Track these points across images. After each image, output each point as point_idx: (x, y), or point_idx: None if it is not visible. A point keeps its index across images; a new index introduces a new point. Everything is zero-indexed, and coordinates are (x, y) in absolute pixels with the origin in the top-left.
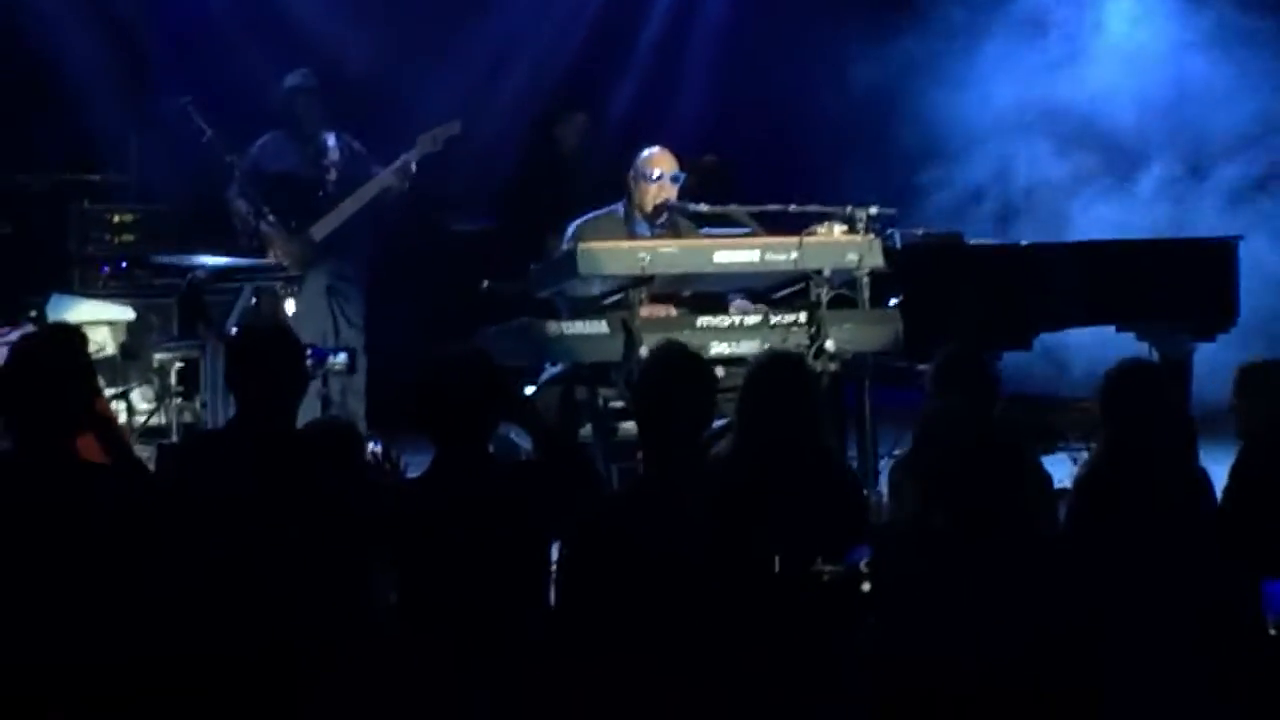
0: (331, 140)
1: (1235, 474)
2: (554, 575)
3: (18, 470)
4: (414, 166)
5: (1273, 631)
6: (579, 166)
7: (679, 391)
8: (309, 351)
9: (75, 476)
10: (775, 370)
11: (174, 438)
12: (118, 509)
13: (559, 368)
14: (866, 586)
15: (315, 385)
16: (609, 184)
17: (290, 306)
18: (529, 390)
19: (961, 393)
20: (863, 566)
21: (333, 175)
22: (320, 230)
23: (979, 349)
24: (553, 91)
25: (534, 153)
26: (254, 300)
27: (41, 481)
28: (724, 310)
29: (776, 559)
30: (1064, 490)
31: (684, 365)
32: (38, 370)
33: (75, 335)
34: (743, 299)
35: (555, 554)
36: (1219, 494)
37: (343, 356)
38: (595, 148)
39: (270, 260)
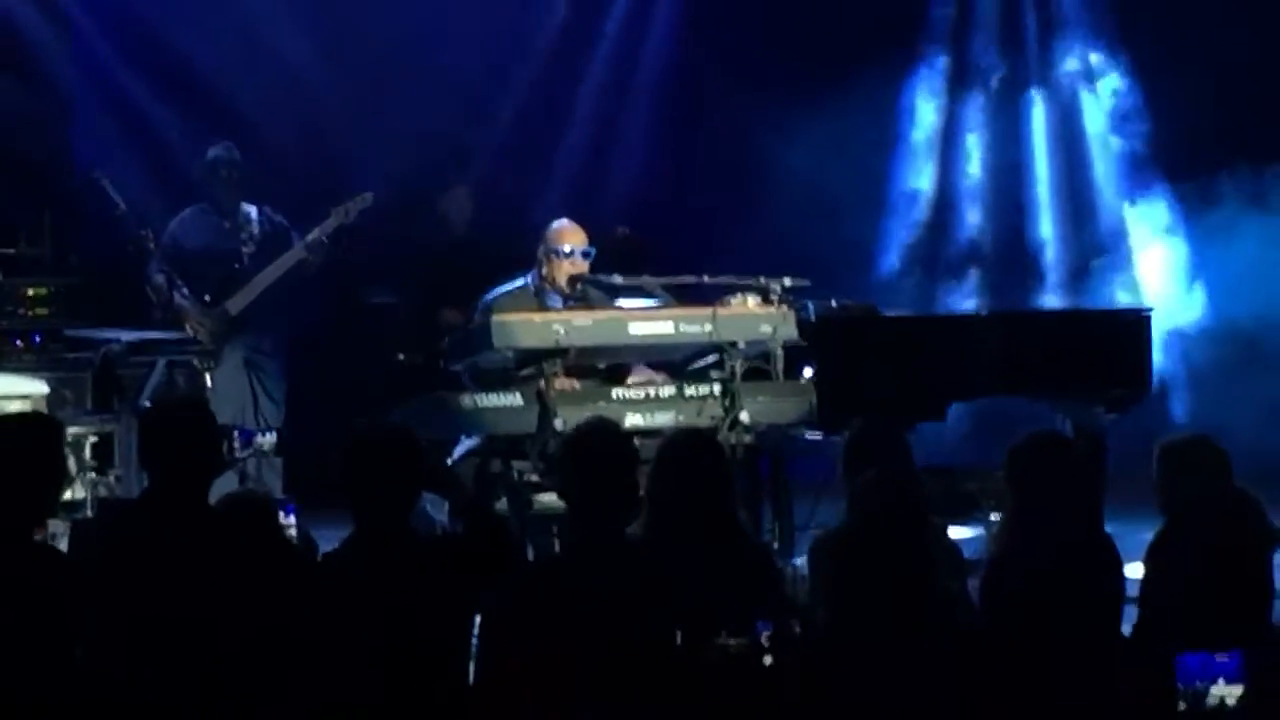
0: (253, 213)
1: (1156, 548)
2: (475, 648)
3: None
4: (326, 239)
5: (1182, 705)
6: (467, 239)
7: (604, 468)
8: (236, 432)
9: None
10: (686, 446)
11: (89, 512)
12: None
13: (473, 440)
14: (768, 660)
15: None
16: (505, 257)
17: (208, 381)
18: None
19: (875, 467)
20: (764, 640)
21: (250, 248)
22: (236, 304)
23: (890, 422)
24: (437, 166)
25: (422, 228)
26: (172, 375)
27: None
28: (626, 381)
29: (678, 633)
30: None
31: (609, 441)
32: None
33: (59, 427)
34: (642, 366)
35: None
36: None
37: (271, 436)
38: (482, 219)
39: (185, 334)
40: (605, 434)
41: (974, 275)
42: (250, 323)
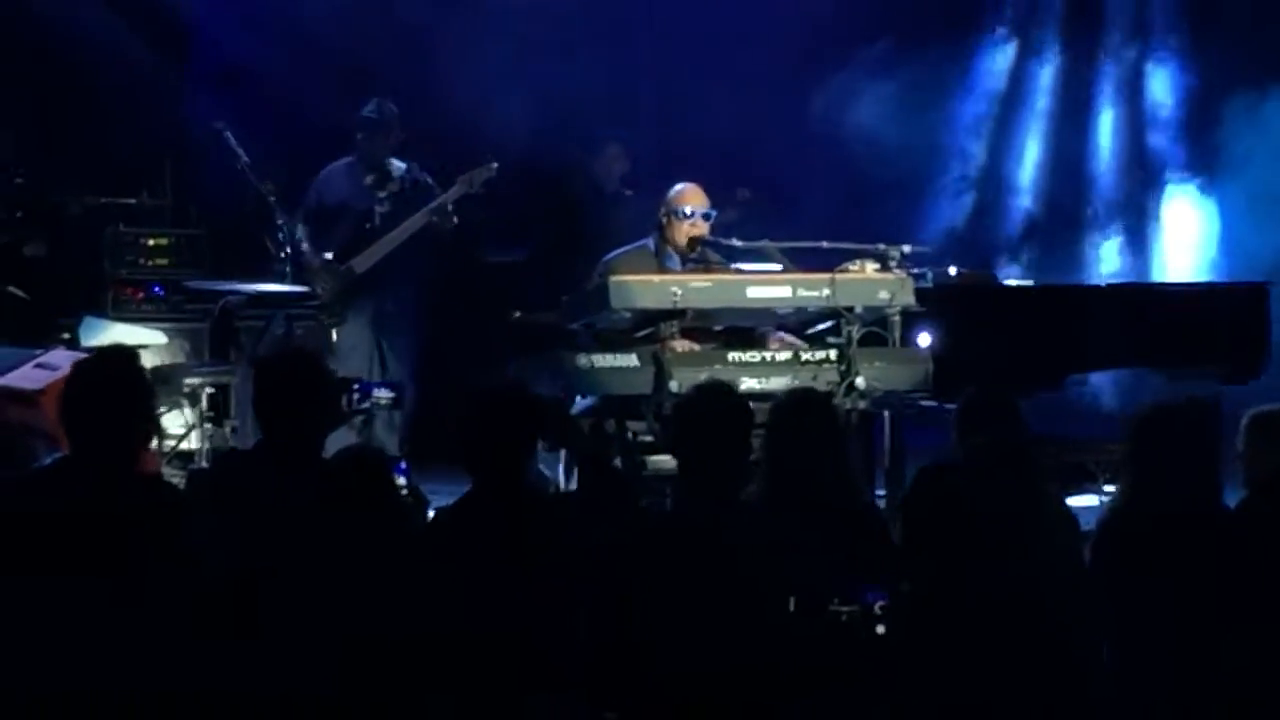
0: (397, 172)
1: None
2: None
3: (85, 482)
4: (451, 206)
5: None
6: (617, 197)
7: (719, 430)
8: (356, 385)
9: (139, 489)
10: (801, 408)
11: (204, 463)
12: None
13: (589, 400)
14: (881, 629)
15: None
16: (646, 215)
17: (333, 336)
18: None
19: (987, 434)
20: (877, 608)
21: (384, 207)
22: (361, 264)
23: (1005, 390)
24: (582, 124)
25: (571, 185)
26: (290, 329)
27: (107, 494)
28: (753, 345)
29: (792, 599)
30: (1089, 532)
31: (725, 404)
32: (105, 389)
33: (136, 356)
34: (782, 331)
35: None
36: None
37: (387, 392)
38: (631, 178)
39: (302, 289)
40: (719, 396)
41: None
42: (377, 282)
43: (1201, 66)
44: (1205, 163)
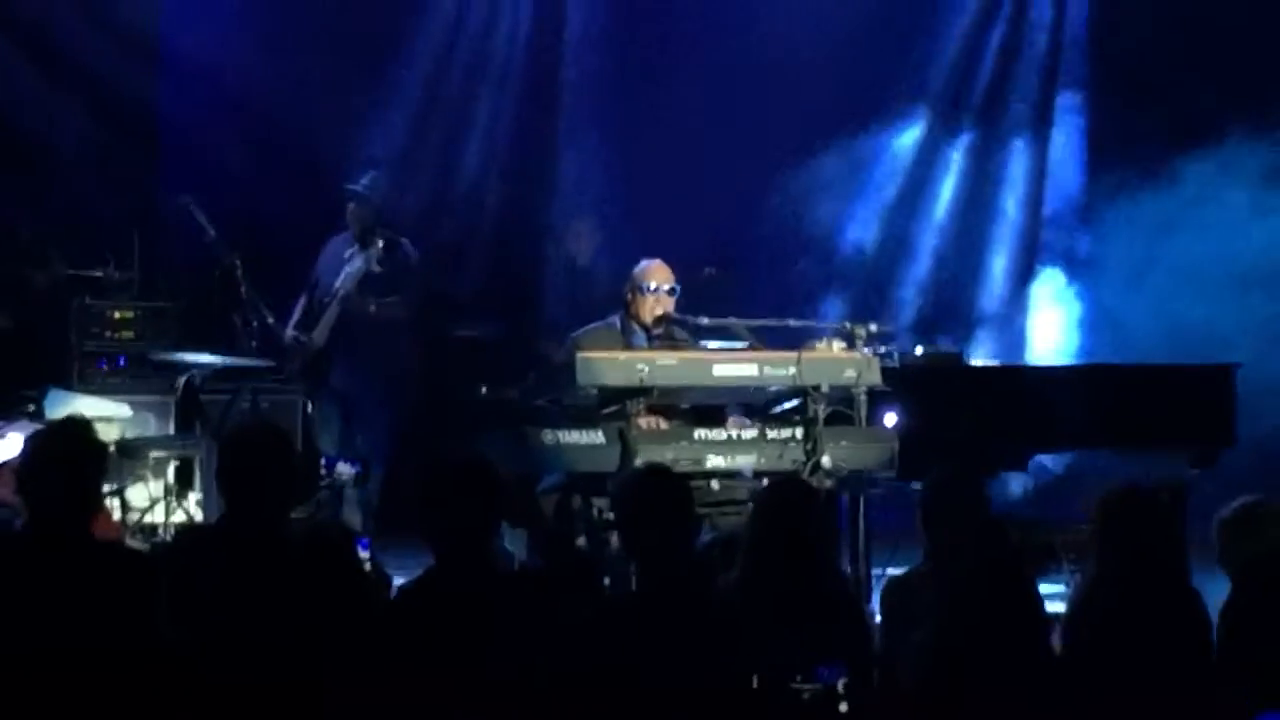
0: (372, 249)
1: (1229, 607)
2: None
3: (38, 549)
4: (355, 289)
5: None
6: (589, 273)
7: (658, 512)
8: (322, 460)
9: (93, 554)
10: (788, 495)
11: (168, 536)
12: (131, 584)
13: (555, 476)
14: (844, 707)
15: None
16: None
17: (306, 409)
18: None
19: (952, 516)
20: (839, 687)
21: (341, 280)
22: (319, 335)
23: (971, 471)
24: (557, 200)
25: (546, 262)
26: (255, 402)
27: (62, 559)
28: (719, 421)
29: (754, 677)
30: (1058, 614)
31: (660, 487)
32: (60, 457)
33: (90, 426)
34: (739, 414)
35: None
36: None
37: (352, 467)
38: (604, 256)
39: (268, 363)
40: (654, 479)
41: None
42: (344, 357)
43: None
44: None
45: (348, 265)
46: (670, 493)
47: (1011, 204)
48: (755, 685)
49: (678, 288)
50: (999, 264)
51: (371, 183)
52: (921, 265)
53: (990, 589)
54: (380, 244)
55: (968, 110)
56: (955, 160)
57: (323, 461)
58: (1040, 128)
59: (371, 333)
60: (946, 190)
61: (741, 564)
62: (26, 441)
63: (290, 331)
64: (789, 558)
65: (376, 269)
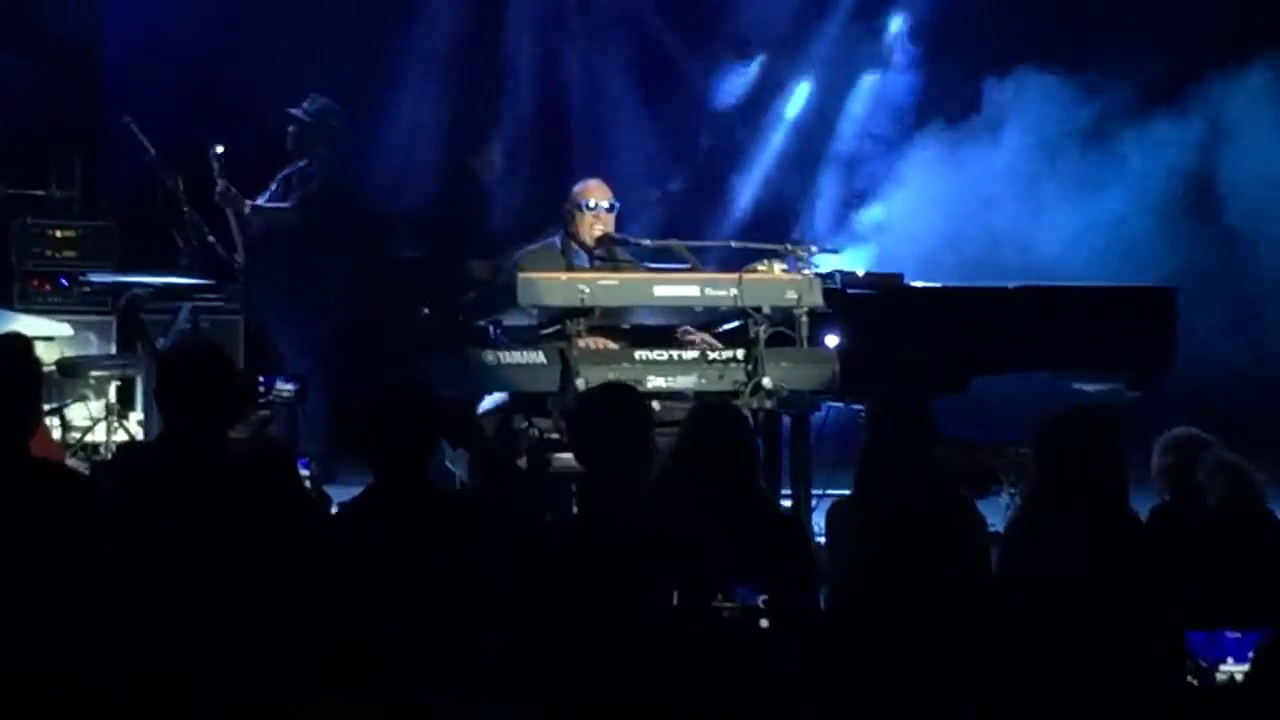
0: (293, 169)
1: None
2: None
3: None
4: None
5: (1192, 680)
6: (495, 194)
7: (616, 432)
8: (260, 378)
9: (31, 473)
10: (716, 418)
11: (109, 454)
12: (70, 505)
13: (498, 397)
14: (764, 623)
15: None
16: (529, 210)
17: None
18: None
19: (899, 434)
20: (760, 603)
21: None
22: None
23: (915, 390)
24: (468, 118)
25: (451, 183)
26: (196, 321)
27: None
28: (662, 343)
29: (674, 593)
30: (997, 534)
31: (628, 405)
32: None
33: (29, 344)
34: (690, 328)
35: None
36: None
37: (290, 384)
38: (513, 174)
39: (208, 281)
40: (619, 396)
41: None
42: (278, 276)
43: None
44: None
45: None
46: (631, 410)
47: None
48: (675, 603)
49: (617, 204)
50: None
51: (311, 105)
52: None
53: (926, 509)
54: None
55: None
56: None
57: (260, 379)
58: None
59: (301, 250)
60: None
61: (665, 481)
62: None
63: (233, 255)
64: (711, 477)
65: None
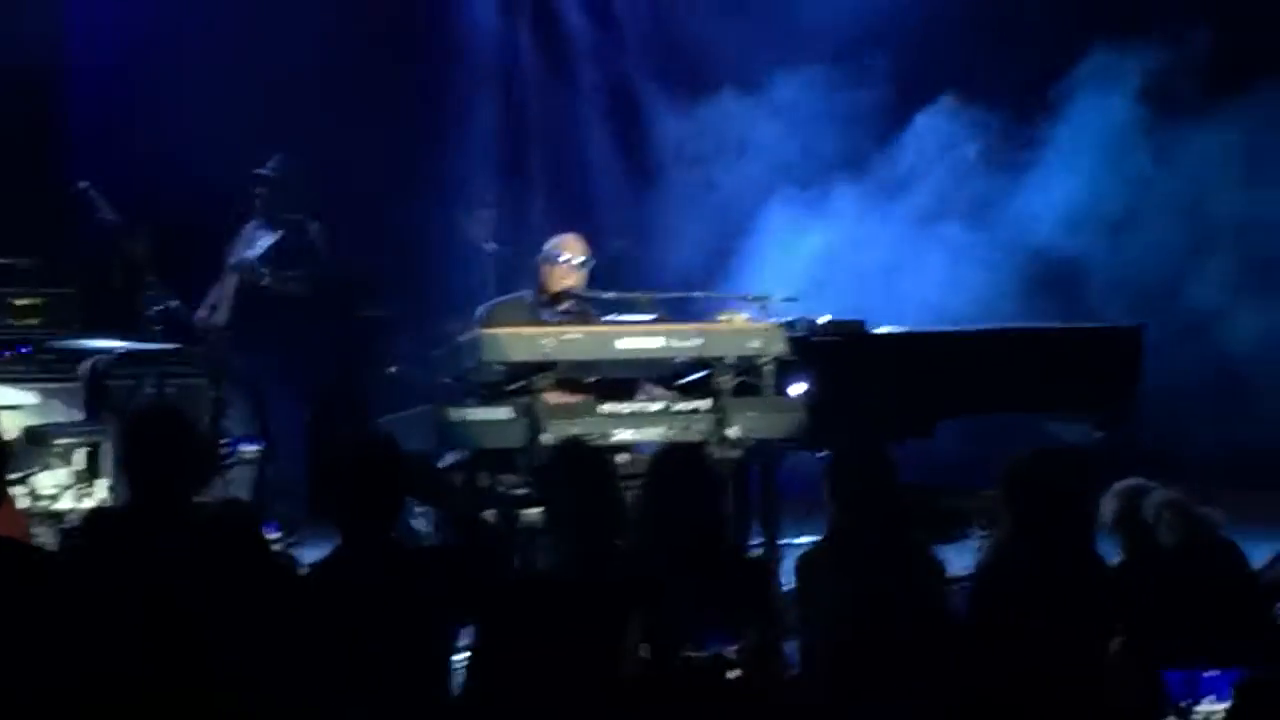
0: (275, 233)
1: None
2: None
3: None
4: (254, 263)
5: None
6: (481, 257)
7: (581, 490)
8: (225, 441)
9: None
10: (678, 461)
11: (76, 522)
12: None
13: (460, 453)
14: (734, 674)
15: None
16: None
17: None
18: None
19: (862, 484)
20: (728, 653)
21: (238, 256)
22: (221, 314)
23: (876, 439)
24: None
25: (450, 243)
26: (168, 389)
27: None
28: (627, 396)
29: (646, 647)
30: (968, 576)
31: (586, 464)
32: None
33: None
34: (651, 384)
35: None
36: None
37: (253, 446)
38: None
39: (174, 346)
40: (583, 452)
41: None
42: (248, 335)
43: None
44: None
45: (253, 245)
46: (596, 465)
47: None
48: (648, 654)
49: (592, 260)
50: None
51: (278, 165)
52: None
53: (891, 558)
54: (286, 224)
55: None
56: None
57: (225, 442)
58: None
59: (277, 313)
60: None
61: (636, 533)
62: None
63: (200, 312)
64: (680, 526)
65: (278, 247)
